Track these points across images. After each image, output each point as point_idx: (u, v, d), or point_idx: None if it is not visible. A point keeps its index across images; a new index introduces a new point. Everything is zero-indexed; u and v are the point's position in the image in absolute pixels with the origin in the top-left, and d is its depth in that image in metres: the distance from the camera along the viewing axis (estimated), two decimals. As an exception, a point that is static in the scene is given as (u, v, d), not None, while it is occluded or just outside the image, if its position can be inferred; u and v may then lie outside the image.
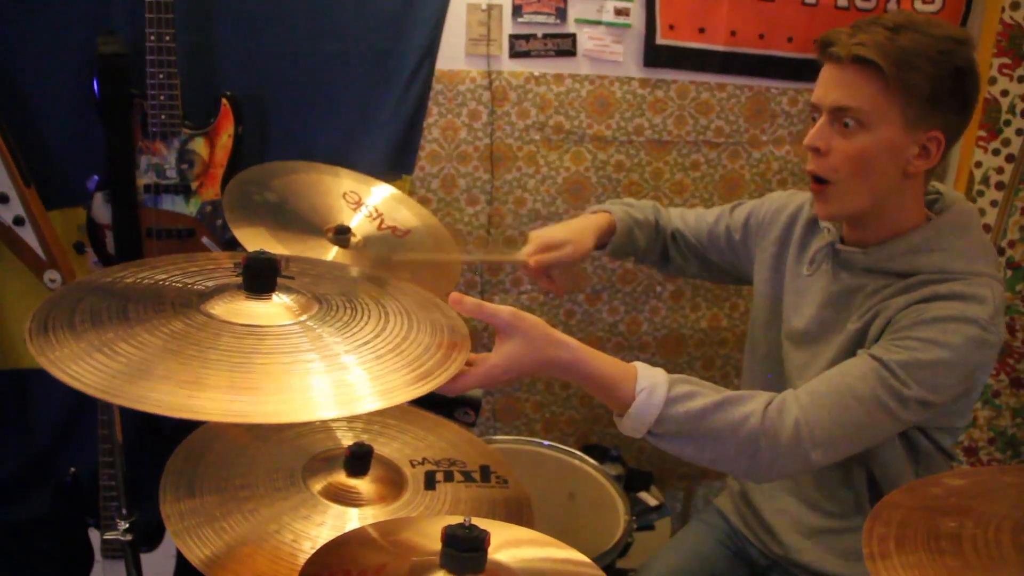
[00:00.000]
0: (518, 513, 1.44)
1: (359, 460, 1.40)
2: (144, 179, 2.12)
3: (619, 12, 2.49)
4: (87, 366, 0.99)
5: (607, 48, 2.51)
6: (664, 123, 2.60)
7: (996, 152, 2.69)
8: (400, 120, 2.38)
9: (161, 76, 2.04)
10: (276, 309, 1.17)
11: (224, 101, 2.14)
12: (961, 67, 1.38)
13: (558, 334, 1.30)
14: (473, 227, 2.55)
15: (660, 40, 2.53)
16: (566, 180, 2.58)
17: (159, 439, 2.16)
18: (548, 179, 2.56)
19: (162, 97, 2.06)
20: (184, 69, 2.09)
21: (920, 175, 1.45)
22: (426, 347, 1.17)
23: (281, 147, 2.31)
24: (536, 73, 2.48)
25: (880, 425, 1.37)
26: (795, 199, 1.76)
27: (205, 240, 2.17)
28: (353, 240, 1.86)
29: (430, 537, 1.07)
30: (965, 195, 2.70)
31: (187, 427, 1.42)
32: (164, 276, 1.25)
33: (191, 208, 2.16)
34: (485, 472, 1.51)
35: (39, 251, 2.07)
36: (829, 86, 1.42)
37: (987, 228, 2.71)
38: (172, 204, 2.15)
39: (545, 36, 2.46)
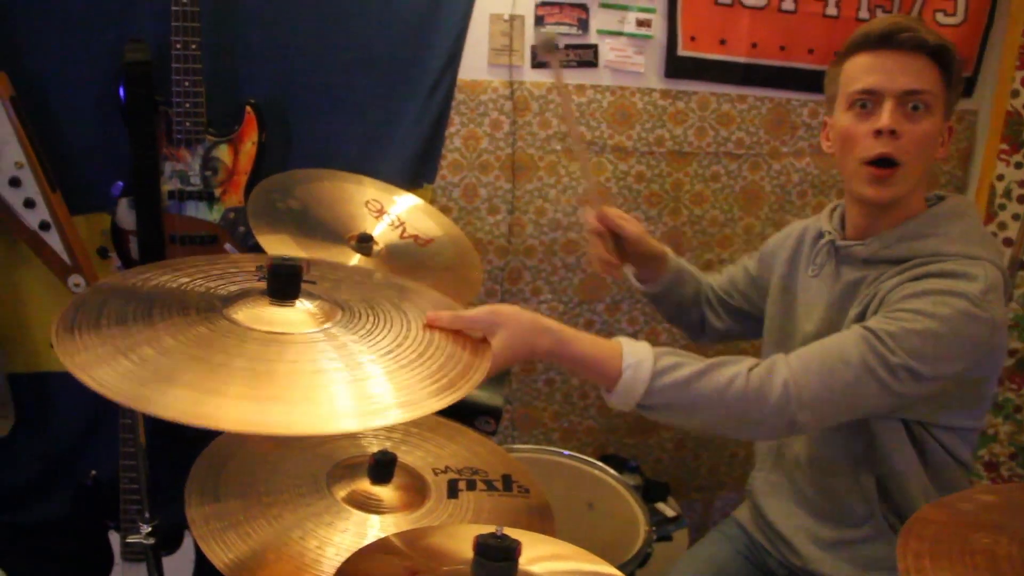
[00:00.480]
0: (540, 523, 1.43)
1: (383, 468, 1.40)
2: (168, 185, 2.13)
3: (641, 23, 2.49)
4: (112, 371, 0.99)
5: (629, 59, 2.51)
6: (685, 134, 2.60)
7: (1018, 165, 2.68)
8: (422, 129, 2.39)
9: (186, 83, 2.05)
10: (300, 316, 1.17)
11: (248, 109, 2.15)
12: (961, 59, 1.52)
13: (541, 320, 1.34)
14: (493, 236, 2.55)
15: (681, 51, 2.53)
16: (587, 190, 2.58)
17: (179, 442, 2.17)
18: (569, 189, 2.57)
19: (187, 104, 2.07)
20: (209, 77, 2.10)
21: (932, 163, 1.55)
22: (450, 354, 1.17)
23: (304, 155, 2.32)
24: (558, 83, 2.49)
25: (869, 392, 1.38)
26: (803, 223, 1.81)
27: (228, 247, 2.18)
28: (375, 248, 1.87)
29: (459, 546, 1.07)
30: (987, 208, 2.70)
31: (208, 431, 1.42)
32: (187, 279, 1.25)
33: (214, 215, 2.17)
34: (507, 481, 1.51)
35: (64, 256, 2.08)
36: (895, 72, 1.47)
37: (1008, 242, 2.70)
38: (196, 210, 2.16)
39: (567, 47, 2.47)
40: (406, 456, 1.50)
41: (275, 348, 1.09)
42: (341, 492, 1.38)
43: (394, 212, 2.00)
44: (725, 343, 2.03)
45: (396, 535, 1.20)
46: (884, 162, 1.48)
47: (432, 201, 2.44)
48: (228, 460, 1.42)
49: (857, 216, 1.60)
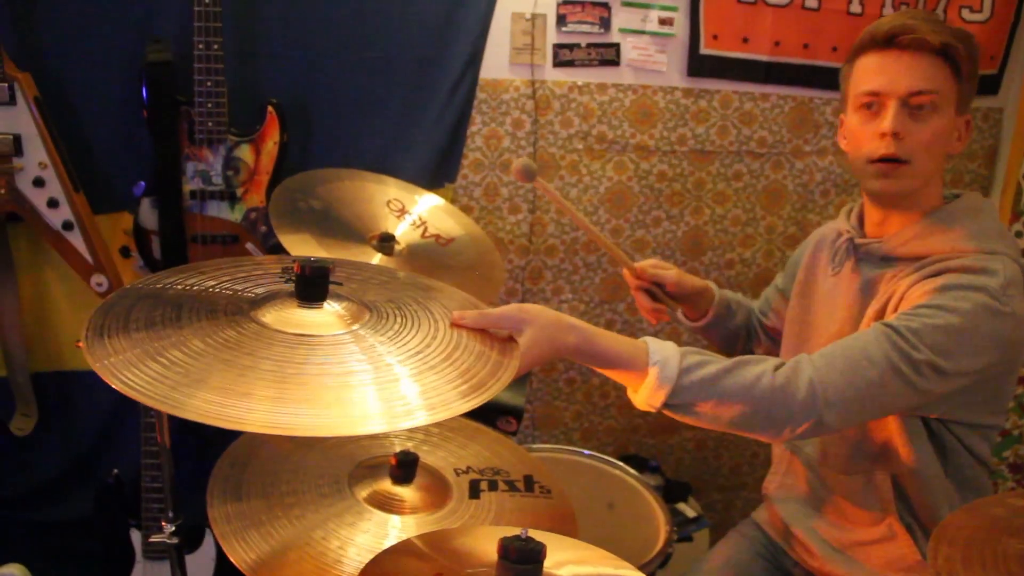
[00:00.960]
0: (562, 523, 1.43)
1: (405, 468, 1.40)
2: (190, 185, 2.14)
3: (663, 22, 2.48)
4: (142, 374, 1.00)
5: (651, 58, 2.50)
6: (707, 133, 2.58)
7: (1045, 164, 2.65)
8: (443, 128, 2.39)
9: (208, 84, 2.06)
10: (328, 317, 1.16)
11: (270, 109, 2.16)
12: (976, 55, 1.49)
13: (567, 318, 1.32)
14: (515, 236, 2.54)
15: (704, 50, 2.52)
16: (608, 190, 2.57)
17: (201, 442, 2.18)
18: (590, 188, 2.56)
19: (209, 104, 2.08)
20: (231, 77, 2.11)
21: (947, 160, 1.54)
22: (479, 355, 1.17)
23: (325, 154, 2.33)
24: (579, 82, 2.48)
25: (894, 390, 1.37)
26: (821, 229, 1.80)
27: (249, 246, 2.19)
28: (397, 248, 1.87)
29: (483, 548, 1.07)
30: (1012, 207, 2.67)
31: (229, 432, 1.43)
32: (214, 283, 1.25)
33: (236, 214, 2.17)
34: (529, 482, 1.51)
35: (87, 255, 2.10)
36: (898, 73, 1.47)
37: (1035, 241, 2.67)
38: (217, 210, 2.17)
39: (589, 45, 2.46)
40: (428, 456, 1.50)
41: (303, 350, 1.09)
42: (363, 492, 1.38)
43: (416, 212, 1.99)
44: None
45: (419, 537, 1.19)
46: (890, 160, 1.49)
47: (453, 200, 2.44)
48: (250, 460, 1.42)
49: (874, 213, 1.60)
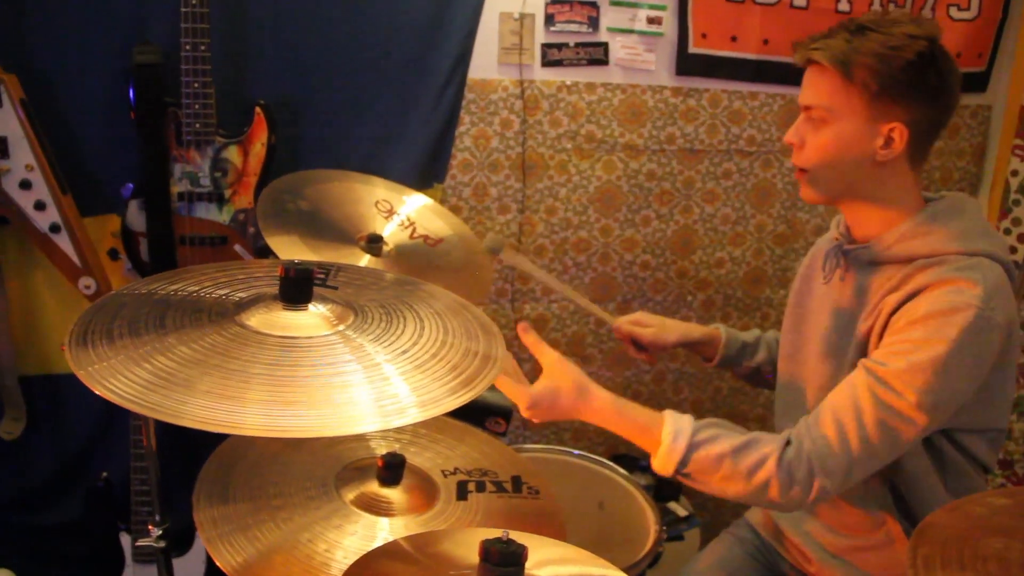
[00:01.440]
0: (550, 524, 1.43)
1: (392, 470, 1.39)
2: (178, 187, 2.14)
3: (651, 21, 2.48)
4: (126, 380, 1.00)
5: (639, 57, 2.50)
6: (696, 132, 2.58)
7: (1033, 161, 2.66)
8: (432, 129, 2.39)
9: (196, 85, 2.05)
10: (313, 319, 1.17)
11: (257, 110, 2.15)
12: (913, 61, 1.44)
13: (592, 386, 1.53)
14: (504, 235, 2.54)
15: (692, 49, 2.52)
16: (597, 189, 2.57)
17: (190, 445, 2.18)
18: (580, 188, 2.56)
19: (196, 106, 2.07)
20: (218, 78, 2.10)
21: (898, 164, 1.50)
22: (465, 352, 1.17)
23: (314, 155, 2.32)
24: (568, 82, 2.48)
25: (892, 439, 1.40)
26: (820, 240, 1.80)
27: (238, 248, 2.18)
28: (385, 249, 1.86)
29: (466, 550, 1.07)
30: (1001, 204, 2.68)
31: (218, 434, 1.43)
32: (196, 287, 1.25)
33: (224, 216, 2.17)
34: (517, 483, 1.51)
35: (74, 258, 2.09)
36: (802, 87, 1.54)
37: (1023, 237, 2.68)
38: (206, 212, 2.16)
39: (577, 45, 2.46)
40: (415, 458, 1.50)
41: (290, 352, 1.10)
42: (350, 494, 1.38)
43: (404, 212, 1.99)
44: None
45: (403, 539, 1.19)
46: (799, 168, 1.56)
47: (442, 201, 2.44)
48: (237, 463, 1.42)
49: (849, 219, 1.62)
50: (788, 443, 1.43)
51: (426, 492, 1.43)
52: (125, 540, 2.23)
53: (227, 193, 2.16)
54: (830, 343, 1.60)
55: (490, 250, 1.94)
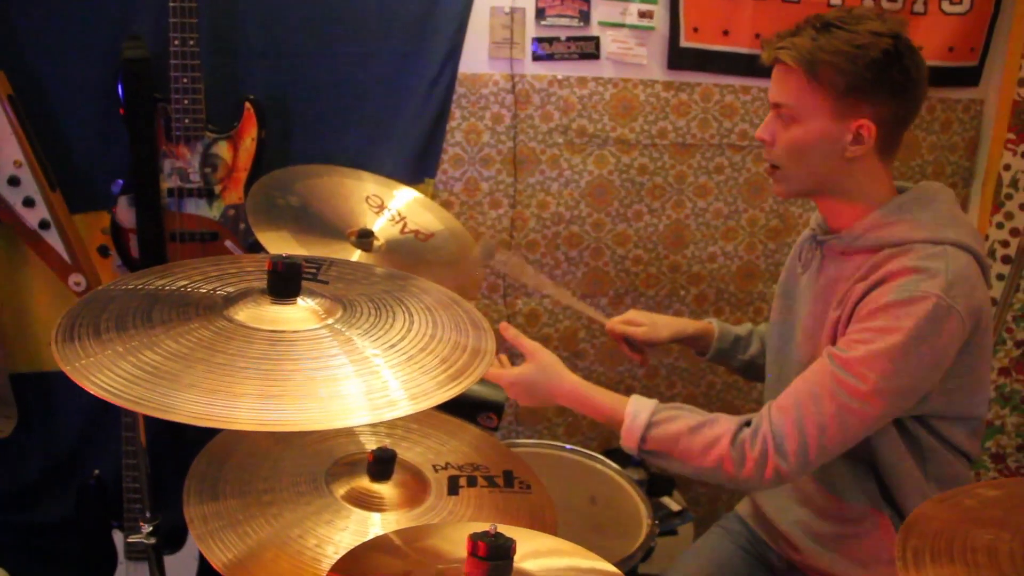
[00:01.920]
0: (541, 519, 1.43)
1: (382, 465, 1.39)
2: (168, 183, 2.13)
3: (643, 15, 2.47)
4: (113, 375, 1.00)
5: (630, 51, 2.50)
6: (688, 126, 2.58)
7: (1025, 155, 2.66)
8: (423, 123, 2.38)
9: (185, 80, 2.04)
10: (302, 313, 1.17)
11: (247, 105, 2.14)
12: (878, 59, 1.45)
13: (564, 371, 1.66)
14: (496, 230, 2.54)
15: (684, 43, 2.52)
16: (589, 183, 2.57)
17: (182, 442, 2.17)
18: (571, 182, 2.55)
19: (186, 101, 2.06)
20: (207, 73, 2.09)
21: (867, 158, 1.52)
22: (454, 345, 1.17)
23: (304, 151, 2.31)
24: (559, 76, 2.47)
25: (850, 424, 1.43)
26: (805, 231, 1.80)
27: (228, 244, 2.18)
28: (376, 244, 1.86)
29: (455, 544, 1.07)
30: (993, 198, 2.68)
31: (210, 431, 1.42)
32: (186, 282, 1.25)
33: (214, 212, 2.16)
34: (508, 477, 1.50)
35: (64, 255, 2.08)
36: (771, 85, 1.56)
37: (1016, 231, 2.68)
38: (196, 208, 2.15)
39: (568, 39, 2.45)
40: (406, 453, 1.49)
41: (279, 346, 1.10)
42: (340, 490, 1.37)
43: (395, 207, 1.99)
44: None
45: (392, 533, 1.19)
46: (770, 164, 1.59)
47: (433, 196, 2.43)
48: (227, 459, 1.41)
49: (823, 211, 1.64)
50: (747, 424, 1.49)
51: (417, 487, 1.42)
52: (118, 538, 2.22)
53: (217, 189, 2.15)
54: (808, 333, 1.62)
55: (484, 258, 1.97)
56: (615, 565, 1.12)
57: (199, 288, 1.23)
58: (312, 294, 1.21)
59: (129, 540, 2.16)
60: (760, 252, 2.72)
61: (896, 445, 1.54)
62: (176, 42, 2.01)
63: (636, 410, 1.54)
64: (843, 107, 1.48)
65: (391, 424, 1.58)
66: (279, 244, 1.71)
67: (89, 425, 2.35)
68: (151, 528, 1.38)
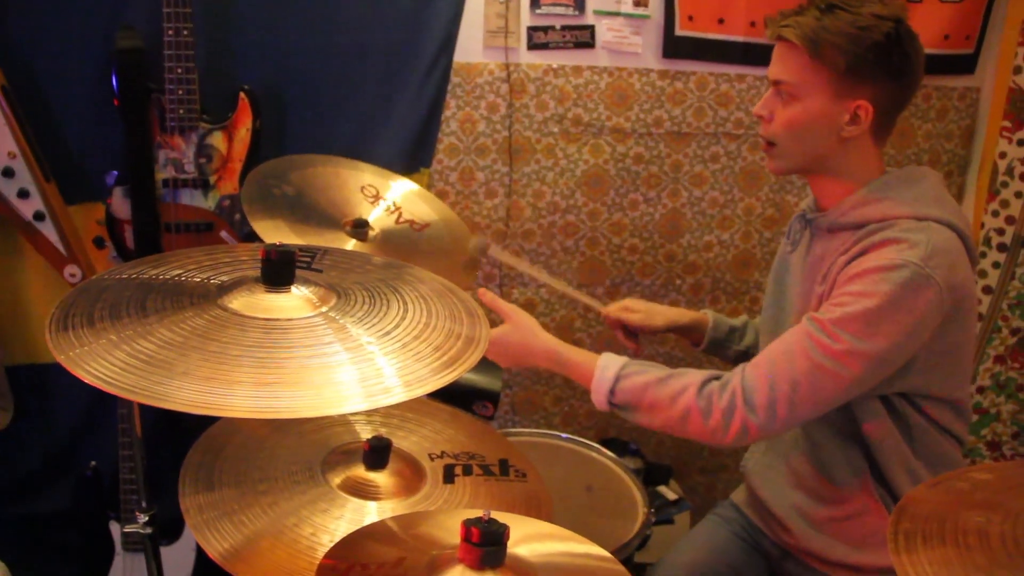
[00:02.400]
0: (537, 507, 1.43)
1: (378, 453, 1.39)
2: (163, 173, 2.12)
3: (638, 3, 2.47)
4: (108, 364, 1.00)
5: (626, 40, 2.49)
6: (683, 115, 2.58)
7: (1021, 143, 2.65)
8: (418, 113, 2.38)
9: (179, 71, 2.04)
10: (296, 302, 1.17)
11: (242, 95, 2.14)
12: (880, 42, 1.48)
13: (539, 330, 1.69)
14: (492, 220, 2.54)
15: (679, 31, 2.51)
16: (585, 173, 2.56)
17: (178, 433, 2.17)
18: (567, 172, 2.55)
19: (180, 91, 2.06)
20: (202, 63, 2.09)
21: (862, 139, 1.55)
22: (448, 332, 1.17)
23: (299, 141, 2.31)
24: (554, 65, 2.47)
25: (822, 384, 1.44)
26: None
27: (224, 234, 2.17)
28: (371, 234, 1.86)
29: (449, 531, 1.07)
30: (989, 185, 2.68)
31: (206, 420, 1.42)
32: (180, 271, 1.25)
33: (209, 202, 2.16)
34: (504, 466, 1.51)
35: (59, 246, 2.08)
36: (772, 62, 1.58)
37: (1011, 219, 2.68)
38: (191, 198, 2.15)
39: (563, 28, 2.45)
40: (402, 442, 1.49)
41: (274, 334, 1.10)
42: (336, 479, 1.38)
43: (390, 197, 1.99)
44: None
45: (387, 520, 1.20)
46: (765, 140, 1.61)
47: (429, 185, 2.43)
48: (222, 449, 1.42)
49: (815, 190, 1.67)
50: (717, 378, 1.50)
51: (413, 476, 1.43)
52: (115, 529, 2.22)
53: (212, 179, 2.15)
54: (797, 312, 1.64)
55: (478, 252, 2.00)
56: (611, 553, 1.13)
57: (193, 277, 1.23)
58: (306, 282, 1.20)
59: (125, 531, 2.18)
60: (756, 241, 2.72)
61: (883, 422, 1.55)
62: (170, 32, 2.01)
63: (606, 364, 1.58)
64: (843, 87, 1.50)
65: (387, 413, 1.58)
66: (275, 233, 1.71)
67: (85, 417, 2.35)
68: (147, 518, 1.38)
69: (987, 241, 2.70)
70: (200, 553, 2.22)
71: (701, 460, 2.90)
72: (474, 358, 1.14)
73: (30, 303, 2.26)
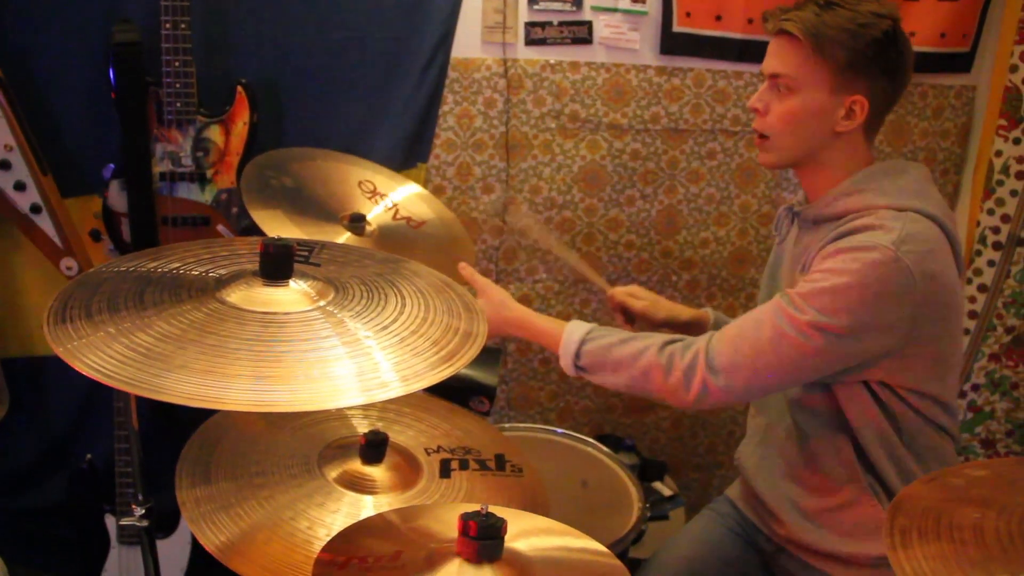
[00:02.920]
0: (533, 502, 1.43)
1: (374, 448, 1.40)
2: (160, 167, 2.12)
3: (635, 0, 2.47)
4: (106, 356, 1.00)
5: (623, 36, 2.49)
6: (680, 111, 2.58)
7: (1017, 141, 2.65)
8: (415, 108, 2.38)
9: (176, 64, 2.04)
10: (294, 295, 1.17)
11: (239, 89, 2.14)
12: (878, 39, 1.52)
13: (515, 303, 1.74)
14: (488, 215, 2.54)
15: (677, 28, 2.51)
16: (582, 168, 2.57)
17: (174, 426, 2.17)
18: (564, 167, 2.55)
19: (177, 85, 2.06)
20: (199, 57, 2.09)
21: (854, 134, 1.58)
22: (446, 327, 1.17)
23: (296, 135, 2.31)
24: (552, 61, 2.47)
25: (784, 353, 1.47)
26: None
27: (220, 228, 2.17)
28: (368, 228, 1.86)
29: (447, 524, 1.07)
30: (984, 184, 2.69)
31: (202, 414, 1.42)
32: (178, 264, 1.25)
33: (206, 196, 2.16)
34: (500, 461, 1.51)
35: (56, 239, 2.08)
36: (769, 55, 1.60)
37: (1007, 218, 2.69)
38: (188, 192, 2.15)
39: (561, 24, 2.45)
40: (398, 436, 1.50)
41: (271, 328, 1.10)
42: (332, 473, 1.38)
43: (387, 194, 1.99)
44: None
45: (384, 513, 1.20)
46: (759, 134, 1.63)
47: (426, 180, 2.43)
48: (219, 442, 1.42)
49: (803, 183, 1.69)
50: (680, 340, 1.55)
51: (409, 470, 1.43)
52: (110, 522, 2.22)
53: (209, 173, 2.15)
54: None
55: (494, 213, 2.01)
56: (607, 548, 1.13)
57: (191, 270, 1.23)
58: (304, 276, 1.20)
59: (122, 523, 2.18)
60: (752, 238, 2.72)
61: (868, 410, 1.56)
62: (167, 25, 2.01)
63: (572, 330, 1.62)
64: (841, 82, 1.53)
65: (383, 407, 1.59)
66: (273, 224, 1.71)
67: (81, 410, 2.35)
68: (144, 511, 1.38)
69: (982, 239, 2.70)
70: (195, 547, 2.22)
71: (696, 457, 2.90)
72: (472, 353, 1.14)
73: (26, 296, 2.26)
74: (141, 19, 2.08)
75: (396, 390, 1.04)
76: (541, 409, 2.75)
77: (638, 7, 2.47)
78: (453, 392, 1.70)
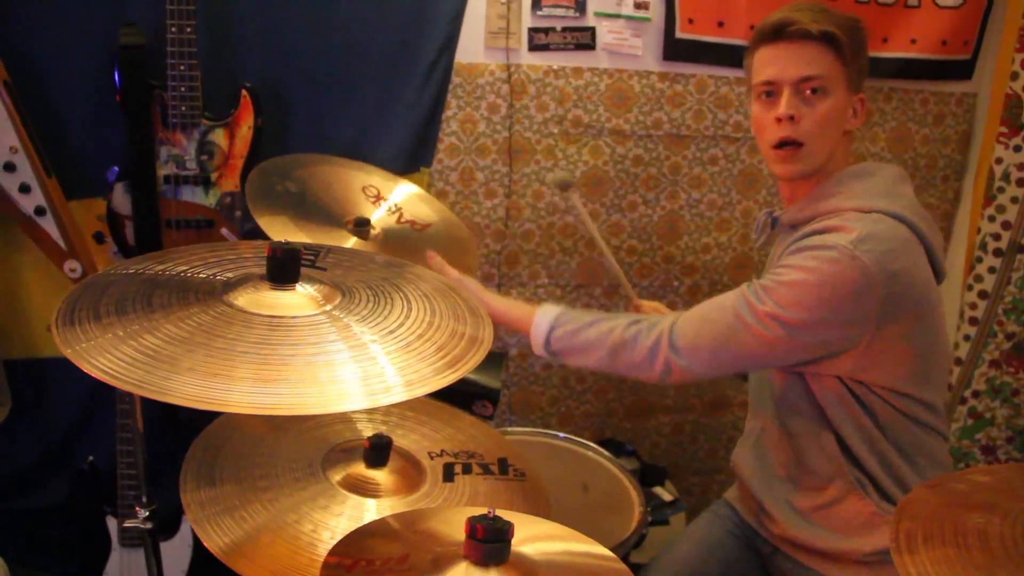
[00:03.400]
0: (536, 506, 1.44)
1: (378, 451, 1.40)
2: (164, 170, 2.13)
3: (638, 6, 2.48)
4: (114, 358, 1.00)
5: (626, 42, 2.50)
6: (683, 117, 2.59)
7: (1017, 148, 2.66)
8: (419, 113, 2.38)
9: (182, 67, 2.04)
10: (301, 299, 1.17)
11: (244, 93, 2.14)
12: (865, 37, 1.60)
13: (488, 293, 1.76)
14: (491, 220, 2.54)
15: (679, 34, 2.52)
16: (584, 174, 2.57)
17: (177, 428, 2.18)
18: (566, 172, 2.56)
19: (182, 88, 2.06)
20: (204, 61, 2.09)
21: (850, 134, 1.65)
22: (452, 333, 1.18)
23: (300, 139, 2.32)
24: (555, 66, 2.48)
25: (742, 340, 1.51)
26: None
27: (224, 231, 2.18)
28: (372, 232, 1.87)
29: (453, 528, 1.08)
30: (985, 191, 2.69)
31: (205, 416, 1.42)
32: (185, 267, 1.26)
33: (210, 199, 2.16)
34: (503, 465, 1.52)
35: (60, 241, 2.08)
36: (788, 62, 1.57)
37: (1007, 225, 2.69)
38: (192, 195, 2.15)
39: (564, 29, 2.46)
40: (402, 440, 1.50)
41: (278, 332, 1.10)
42: (336, 476, 1.39)
43: (391, 198, 2.00)
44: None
45: (390, 517, 1.20)
46: (788, 143, 1.59)
47: (429, 185, 2.44)
48: (223, 445, 1.42)
49: (784, 189, 1.72)
50: (645, 320, 1.59)
51: (413, 474, 1.43)
52: (111, 524, 2.22)
53: (213, 176, 2.15)
54: None
55: (558, 185, 2.13)
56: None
57: (198, 273, 1.24)
58: (311, 280, 1.21)
59: (125, 525, 2.18)
60: (754, 244, 2.73)
61: (848, 406, 1.58)
62: (173, 29, 2.01)
63: (543, 312, 1.66)
64: (854, 80, 1.59)
65: (387, 411, 1.59)
66: (278, 229, 1.72)
67: (83, 412, 2.35)
68: (148, 513, 1.38)
69: (983, 246, 2.71)
70: (197, 549, 2.22)
71: (697, 462, 2.91)
72: (477, 358, 1.15)
73: (29, 297, 2.26)
74: (147, 23, 2.09)
75: (400, 395, 1.04)
76: (542, 413, 2.75)
77: (641, 13, 2.48)
78: (456, 396, 1.70)
